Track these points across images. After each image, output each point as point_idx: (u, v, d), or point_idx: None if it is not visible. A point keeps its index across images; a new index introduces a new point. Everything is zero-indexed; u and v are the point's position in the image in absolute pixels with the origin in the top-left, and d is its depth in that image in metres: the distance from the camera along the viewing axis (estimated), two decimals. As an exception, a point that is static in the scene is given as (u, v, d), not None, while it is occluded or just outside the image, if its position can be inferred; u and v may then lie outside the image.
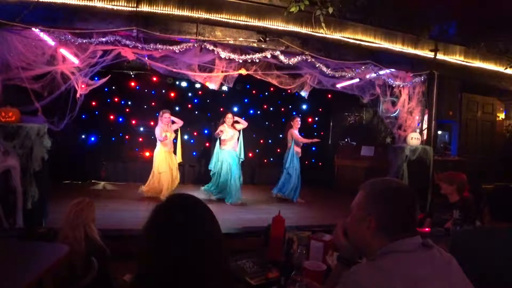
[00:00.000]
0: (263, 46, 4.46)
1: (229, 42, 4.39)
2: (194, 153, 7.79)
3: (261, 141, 7.95)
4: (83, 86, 4.53)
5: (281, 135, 7.75)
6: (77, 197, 2.62)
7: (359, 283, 1.04)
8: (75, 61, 4.40)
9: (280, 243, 2.09)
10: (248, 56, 4.52)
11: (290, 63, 4.61)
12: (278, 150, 7.51)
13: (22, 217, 3.64)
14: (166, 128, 5.96)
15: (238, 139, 6.31)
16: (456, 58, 5.46)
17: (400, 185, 1.21)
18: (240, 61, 4.61)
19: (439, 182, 3.49)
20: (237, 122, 6.31)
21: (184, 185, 7.38)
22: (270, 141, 8.20)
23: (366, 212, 1.17)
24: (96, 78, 4.87)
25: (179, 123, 6.21)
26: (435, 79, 5.35)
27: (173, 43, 4.25)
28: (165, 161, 5.93)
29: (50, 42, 4.10)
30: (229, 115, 6.21)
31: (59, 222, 2.55)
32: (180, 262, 0.92)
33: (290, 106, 8.30)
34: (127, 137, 7.36)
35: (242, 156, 6.43)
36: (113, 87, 7.14)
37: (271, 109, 8.25)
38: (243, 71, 5.04)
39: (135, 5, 3.91)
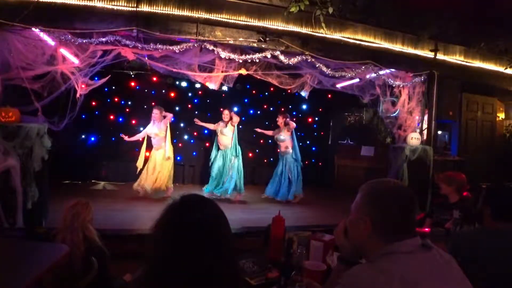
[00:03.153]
0: (263, 46, 4.46)
1: (229, 42, 4.39)
2: (194, 153, 7.79)
3: (261, 141, 7.94)
4: (83, 86, 4.53)
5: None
6: (77, 198, 2.61)
7: (359, 284, 1.04)
8: (75, 61, 4.40)
9: (280, 243, 2.09)
10: (248, 56, 4.52)
11: (290, 63, 4.61)
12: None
13: (22, 217, 3.64)
14: (158, 125, 5.95)
15: (232, 137, 6.25)
16: (456, 58, 5.46)
17: (397, 186, 1.21)
18: (240, 61, 4.62)
19: (439, 182, 3.50)
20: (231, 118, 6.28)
21: (184, 185, 7.39)
22: (270, 141, 8.19)
23: (363, 213, 1.17)
24: (96, 78, 4.87)
25: (168, 116, 6.10)
26: (435, 79, 5.35)
27: (173, 43, 4.25)
28: (150, 158, 5.95)
29: (50, 42, 4.10)
30: (225, 111, 6.23)
31: (57, 224, 2.54)
32: (190, 260, 0.92)
33: (290, 106, 8.29)
34: (127, 136, 7.36)
35: (235, 153, 6.29)
36: (113, 87, 7.13)
37: (271, 109, 8.24)
38: (243, 71, 5.04)
39: (135, 5, 3.92)
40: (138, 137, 6.09)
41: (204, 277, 0.92)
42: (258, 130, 6.75)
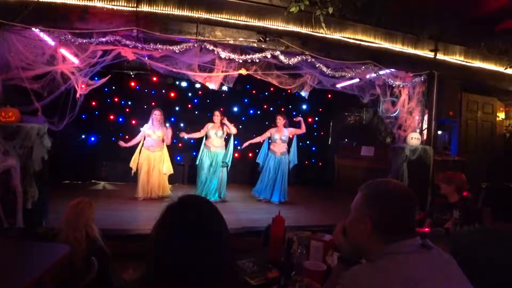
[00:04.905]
0: (263, 46, 4.46)
1: (229, 42, 4.39)
2: (194, 153, 7.78)
3: (261, 141, 7.95)
4: (83, 86, 4.52)
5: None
6: (77, 197, 2.62)
7: (358, 284, 1.04)
8: (75, 61, 4.40)
9: (280, 243, 2.09)
10: (248, 56, 4.52)
11: (290, 63, 4.61)
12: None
13: (22, 217, 3.64)
14: (158, 126, 5.93)
15: (227, 141, 6.23)
16: (456, 58, 5.46)
17: (397, 187, 1.21)
18: (240, 61, 4.61)
19: (439, 182, 3.50)
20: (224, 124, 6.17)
21: (184, 185, 7.40)
22: (270, 141, 8.21)
23: (363, 213, 1.17)
24: (96, 78, 4.86)
25: (169, 132, 6.03)
26: (435, 79, 5.34)
27: (173, 43, 4.25)
28: (144, 160, 5.86)
29: (50, 42, 4.10)
30: (216, 113, 6.13)
31: (59, 223, 2.55)
32: (190, 260, 0.93)
33: (290, 106, 8.30)
34: (127, 137, 7.33)
35: (227, 160, 6.23)
36: (113, 87, 7.14)
37: (271, 109, 8.25)
38: (243, 71, 5.04)
39: (135, 5, 3.92)
40: (136, 140, 6.02)
41: (202, 276, 0.93)
42: (245, 144, 6.48)
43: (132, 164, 5.90)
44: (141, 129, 6.09)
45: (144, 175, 5.82)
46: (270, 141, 6.45)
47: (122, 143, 5.92)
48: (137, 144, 6.05)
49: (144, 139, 5.96)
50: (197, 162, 6.17)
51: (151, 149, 5.92)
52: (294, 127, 6.50)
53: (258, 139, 6.50)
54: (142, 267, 0.98)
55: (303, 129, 6.42)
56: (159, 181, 5.94)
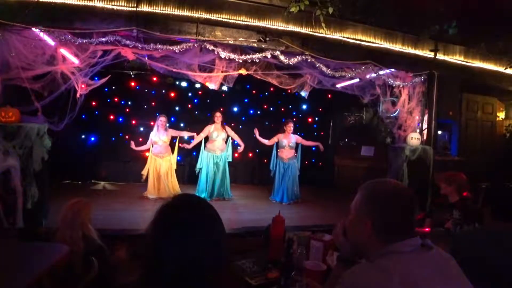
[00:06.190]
0: (263, 46, 4.46)
1: (229, 42, 4.39)
2: (194, 153, 7.78)
3: (267, 144, 7.95)
4: (83, 86, 4.52)
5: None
6: (76, 197, 2.62)
7: (358, 284, 1.04)
8: (75, 61, 4.40)
9: (280, 243, 2.09)
10: (248, 56, 4.52)
11: (290, 63, 4.61)
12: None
13: (22, 217, 3.64)
14: (163, 132, 5.97)
15: (226, 142, 6.25)
16: (456, 58, 5.47)
17: (397, 187, 1.21)
18: (240, 61, 4.62)
19: (439, 182, 3.50)
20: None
21: (184, 185, 7.38)
22: (277, 147, 8.21)
23: (363, 214, 1.17)
24: (96, 78, 4.87)
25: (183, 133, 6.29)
26: (435, 79, 5.35)
27: (173, 43, 4.25)
28: (150, 165, 5.95)
29: (50, 42, 4.10)
30: (217, 114, 6.13)
31: (57, 223, 2.55)
32: (185, 260, 0.92)
33: (290, 106, 8.29)
34: (127, 137, 7.35)
35: (230, 158, 6.35)
36: (113, 87, 7.14)
37: (271, 109, 8.24)
38: (243, 71, 5.04)
39: (135, 5, 3.92)
40: (145, 147, 6.12)
41: (199, 276, 0.92)
42: (258, 136, 6.38)
43: (144, 171, 5.99)
44: (150, 136, 6.11)
45: (157, 180, 5.91)
46: (277, 147, 6.44)
47: (132, 145, 5.99)
48: (140, 144, 6.09)
49: (152, 146, 6.02)
50: (200, 167, 6.17)
51: (160, 156, 5.99)
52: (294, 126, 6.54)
53: (266, 141, 6.42)
54: (138, 268, 0.97)
55: (308, 143, 6.51)
56: (174, 183, 6.08)
